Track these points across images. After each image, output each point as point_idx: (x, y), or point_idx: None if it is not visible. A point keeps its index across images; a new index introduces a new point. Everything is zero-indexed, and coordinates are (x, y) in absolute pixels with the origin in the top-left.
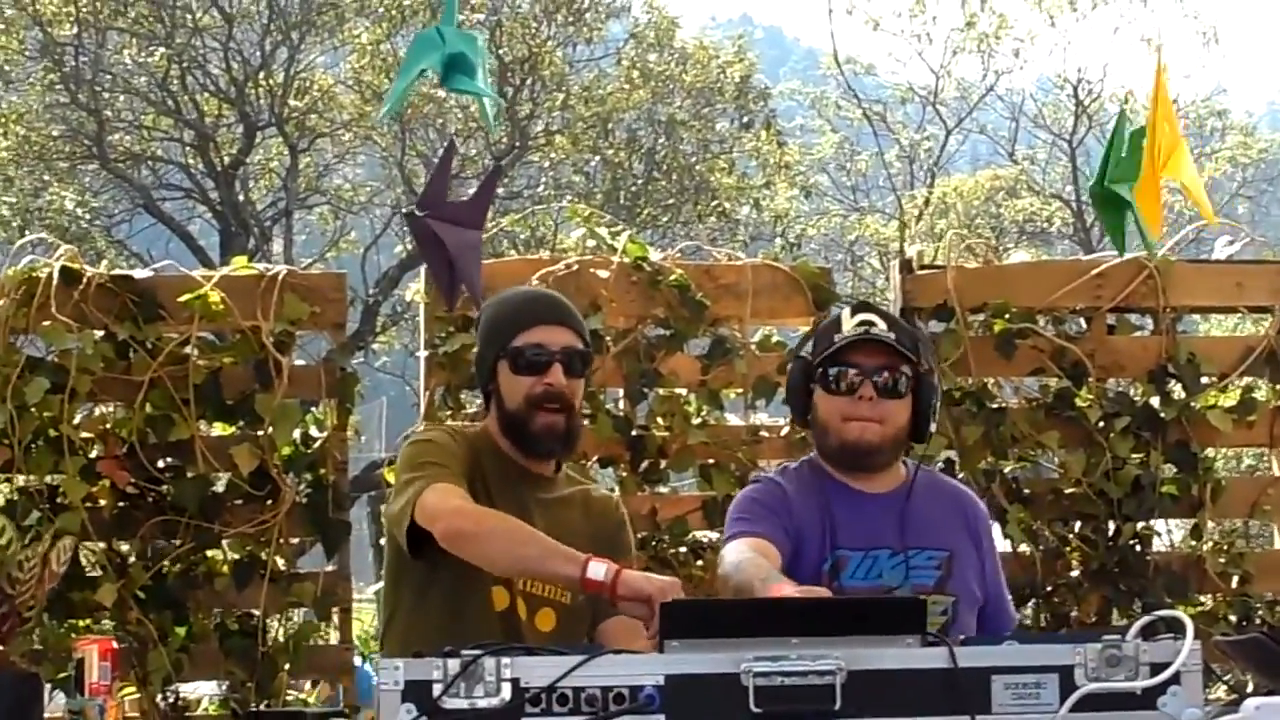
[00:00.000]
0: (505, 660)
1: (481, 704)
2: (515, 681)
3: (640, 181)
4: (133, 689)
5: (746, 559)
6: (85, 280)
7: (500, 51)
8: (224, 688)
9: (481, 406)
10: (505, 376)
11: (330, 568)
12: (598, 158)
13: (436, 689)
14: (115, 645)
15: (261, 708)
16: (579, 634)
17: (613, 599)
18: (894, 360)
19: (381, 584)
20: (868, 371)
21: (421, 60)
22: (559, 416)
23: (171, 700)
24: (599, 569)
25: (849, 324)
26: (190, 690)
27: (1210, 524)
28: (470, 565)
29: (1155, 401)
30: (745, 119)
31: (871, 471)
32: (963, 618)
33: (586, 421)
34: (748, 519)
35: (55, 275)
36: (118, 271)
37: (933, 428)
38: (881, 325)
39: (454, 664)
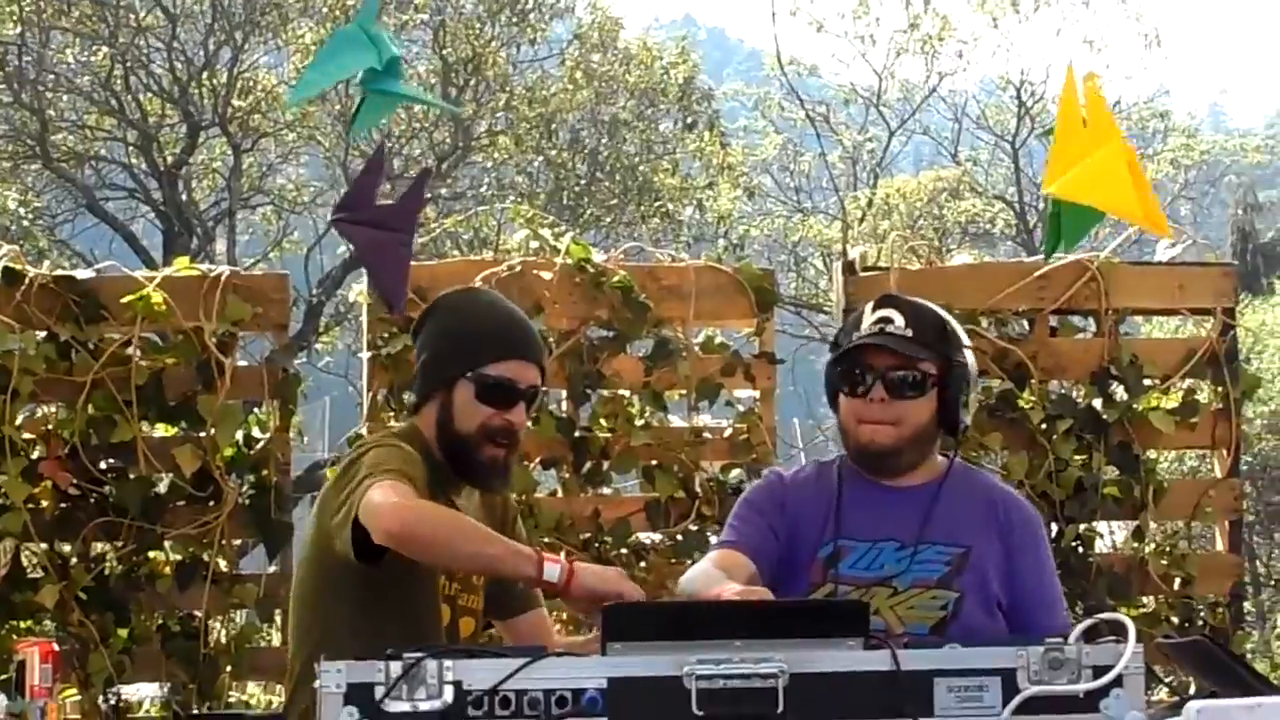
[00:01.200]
0: (447, 663)
1: (424, 706)
2: (458, 684)
3: (584, 182)
4: (74, 691)
5: (700, 571)
6: (27, 280)
7: (444, 52)
8: (166, 689)
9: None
10: (464, 399)
11: (272, 569)
12: (541, 158)
13: (379, 691)
14: (56, 647)
15: (203, 710)
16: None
17: (565, 598)
18: (908, 359)
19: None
20: (879, 372)
21: (350, 57)
22: (504, 451)
23: (113, 702)
24: (554, 570)
25: (867, 320)
26: (132, 692)
27: (1152, 526)
28: (420, 578)
29: (1098, 403)
30: (688, 120)
31: (893, 473)
32: (971, 615)
33: (529, 423)
34: (733, 525)
35: None
36: (60, 272)
37: (966, 418)
38: (899, 321)
39: (396, 666)
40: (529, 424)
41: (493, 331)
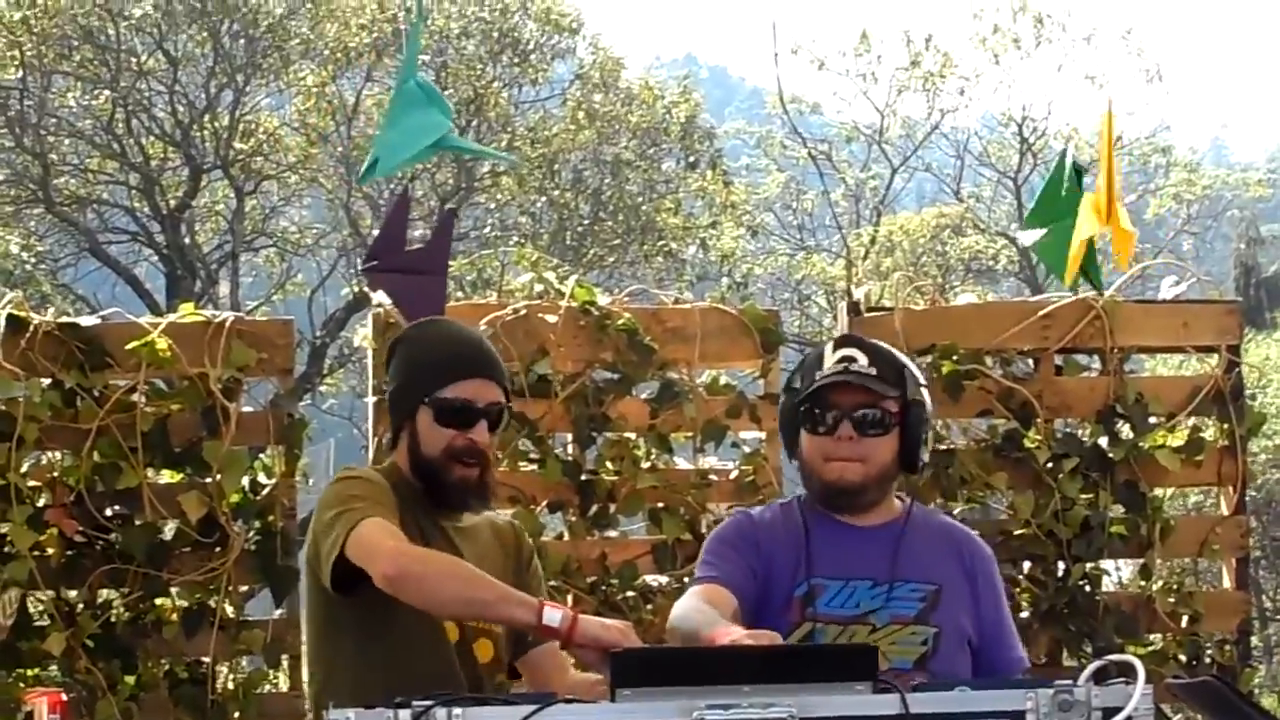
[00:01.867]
0: (457, 710)
1: None
2: None
3: (586, 222)
4: None
5: (691, 607)
6: (32, 328)
7: (446, 93)
8: None
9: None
10: (426, 424)
11: (279, 614)
12: (544, 198)
13: None
14: (64, 697)
15: None
16: (507, 659)
17: (568, 646)
18: (874, 397)
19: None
20: (847, 410)
21: (421, 118)
22: (475, 470)
23: None
24: (555, 615)
25: (830, 360)
26: None
27: (1159, 563)
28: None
29: (1103, 442)
30: (691, 159)
31: (857, 511)
32: (947, 651)
33: (535, 466)
34: (710, 562)
35: (1, 323)
36: (64, 319)
37: (925, 456)
38: (862, 360)
39: (405, 715)
40: (537, 466)
41: (446, 355)
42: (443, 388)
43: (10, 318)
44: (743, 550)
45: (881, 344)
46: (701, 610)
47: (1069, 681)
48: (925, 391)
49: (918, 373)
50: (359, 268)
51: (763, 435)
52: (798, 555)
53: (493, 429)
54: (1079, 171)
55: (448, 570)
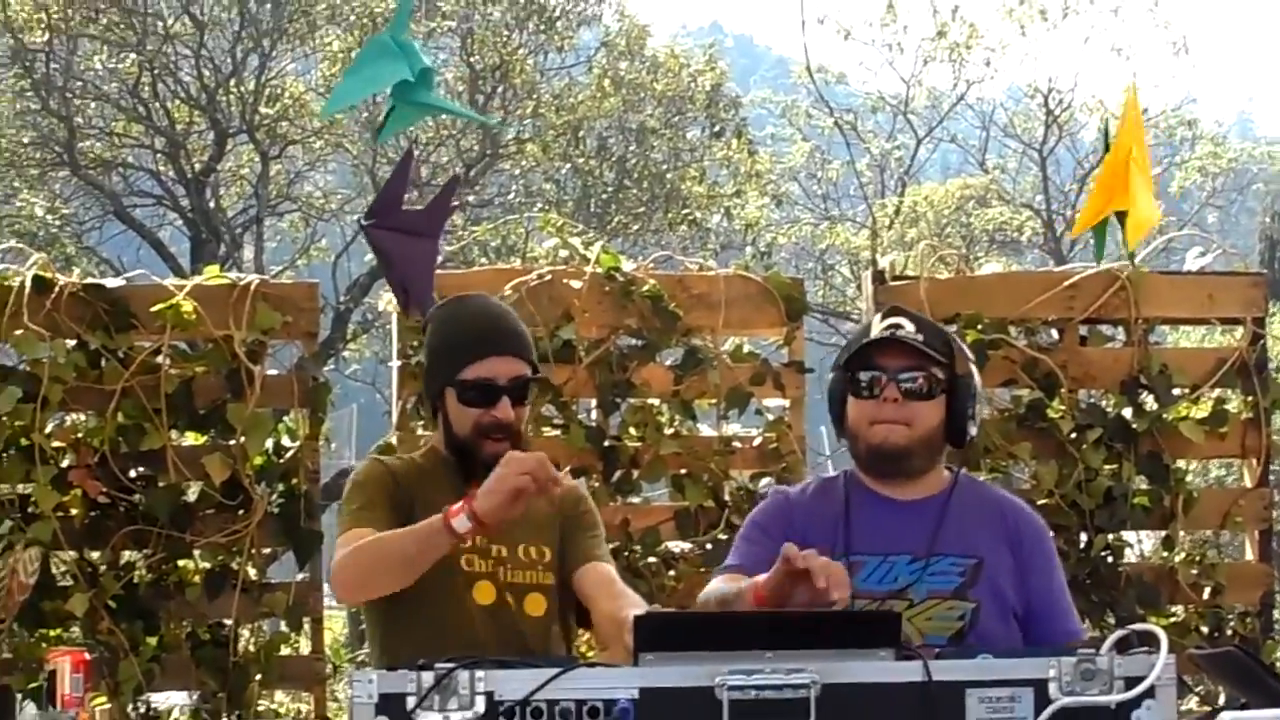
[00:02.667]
0: (479, 673)
1: (455, 717)
2: (489, 695)
3: (611, 189)
4: (104, 699)
5: (714, 589)
6: (57, 289)
7: (471, 60)
8: (195, 698)
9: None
10: (453, 405)
11: (302, 577)
12: (568, 165)
13: (410, 702)
14: (87, 657)
15: (233, 718)
16: (568, 611)
17: (486, 531)
18: (921, 361)
19: None
20: (892, 373)
21: (383, 68)
22: (505, 444)
23: (143, 710)
24: (463, 520)
25: (877, 327)
26: (161, 700)
27: (1182, 535)
28: (445, 570)
29: (1127, 413)
30: (716, 127)
31: (904, 477)
32: (988, 624)
33: (559, 432)
34: (740, 548)
35: (27, 284)
36: (90, 280)
37: (973, 431)
38: (909, 327)
39: (428, 677)
40: (561, 432)
41: (465, 336)
42: (463, 369)
43: (36, 279)
44: (773, 534)
45: (928, 317)
46: (727, 588)
47: (1092, 650)
48: (974, 368)
49: (966, 349)
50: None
51: (786, 403)
52: (836, 531)
53: (518, 403)
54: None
55: (373, 552)
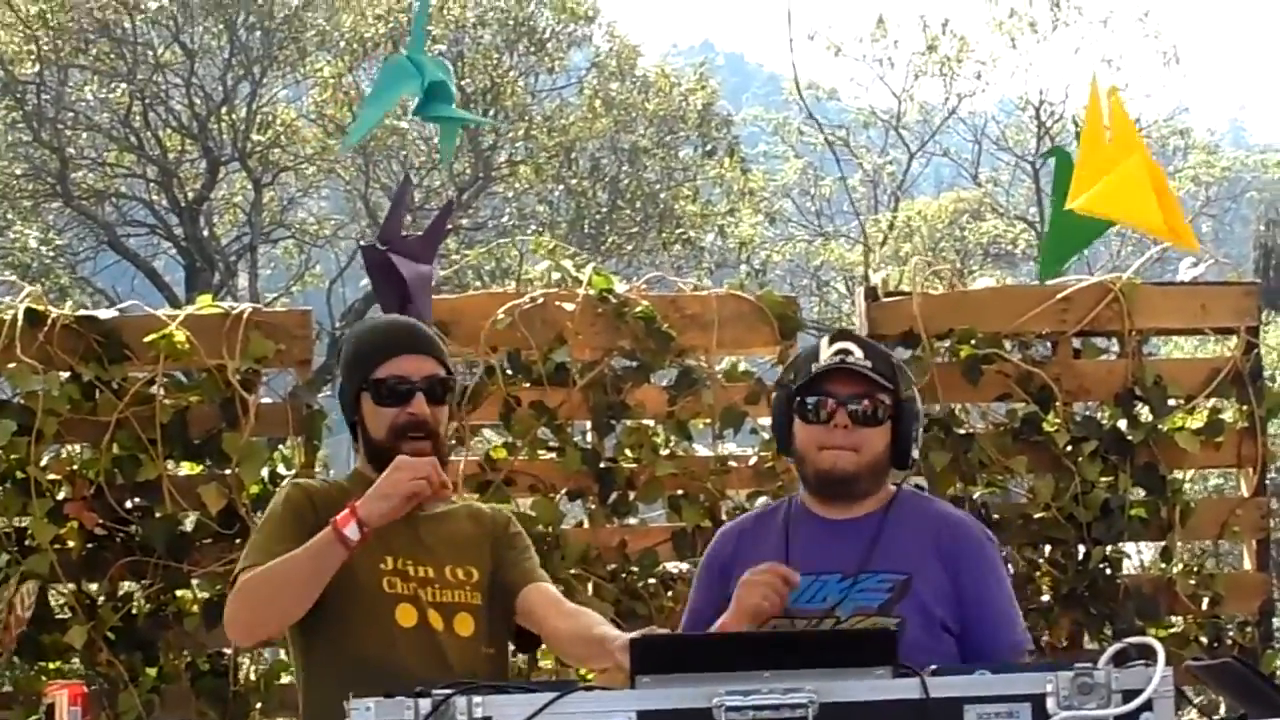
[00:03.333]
0: (477, 699)
1: None
2: None
3: (605, 210)
4: None
5: None
6: (50, 321)
7: (463, 83)
8: None
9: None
10: (369, 408)
11: None
12: (561, 187)
13: None
14: (86, 689)
15: None
16: (497, 632)
17: (367, 539)
18: (870, 388)
19: None
20: (843, 400)
21: (397, 88)
22: (425, 444)
23: None
24: (352, 528)
25: (825, 353)
26: None
27: (1180, 546)
28: (365, 595)
29: (1123, 425)
30: (708, 146)
31: (850, 500)
32: (912, 639)
33: (554, 455)
34: (695, 593)
35: (20, 317)
36: (83, 312)
37: (915, 453)
38: (858, 354)
39: (425, 704)
40: (556, 455)
41: (376, 339)
42: (375, 369)
43: (29, 311)
44: (715, 576)
45: (875, 343)
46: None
47: (1089, 664)
48: (915, 391)
49: (909, 373)
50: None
51: None
52: (778, 553)
53: (434, 402)
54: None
55: (246, 592)
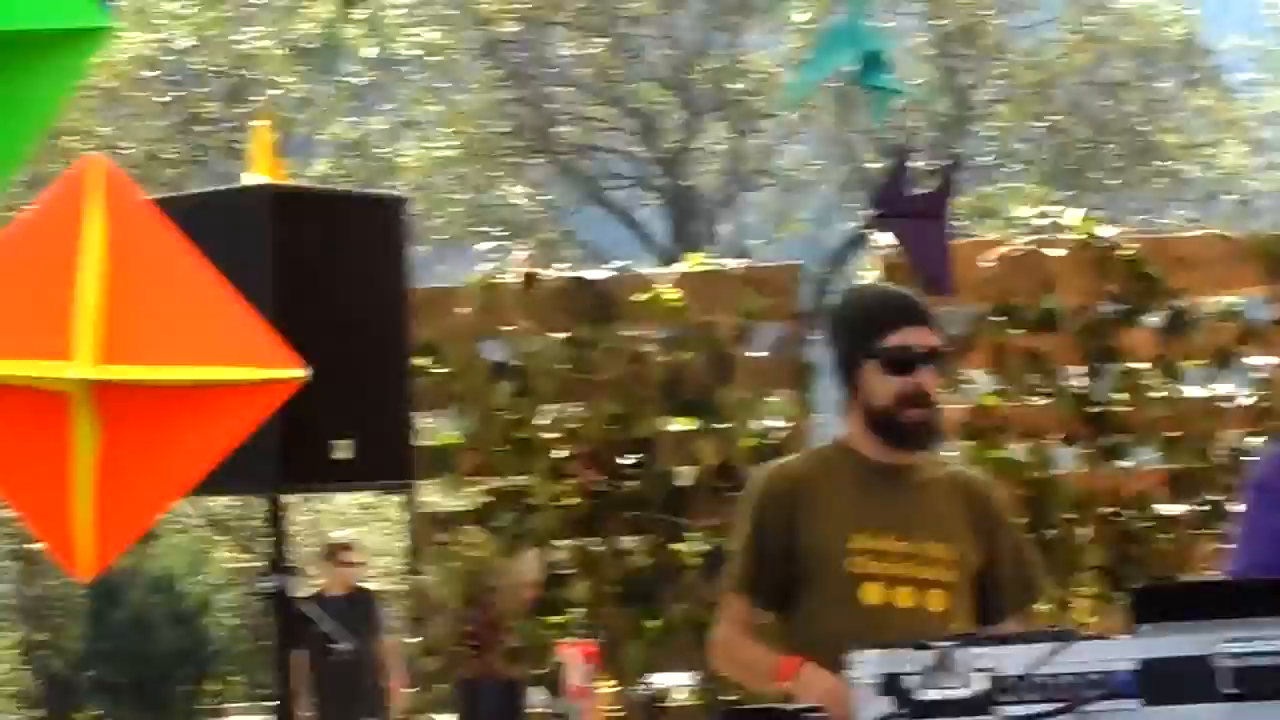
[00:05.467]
0: (976, 650)
1: (954, 694)
2: (989, 671)
3: (1086, 146)
4: (608, 682)
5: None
6: (544, 284)
7: (944, 22)
8: (698, 679)
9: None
10: (873, 375)
11: None
12: (1041, 124)
13: (910, 681)
14: (596, 648)
15: (734, 699)
16: (965, 610)
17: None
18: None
19: None
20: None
21: (834, 57)
22: (927, 411)
23: (647, 693)
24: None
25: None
26: (662, 681)
27: None
28: (831, 577)
29: None
30: (1190, 77)
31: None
32: None
33: (1045, 400)
34: (1249, 513)
35: (515, 281)
36: (575, 274)
37: None
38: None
39: (928, 656)
40: (1047, 400)
41: (880, 310)
42: (883, 339)
43: (523, 276)
44: (1273, 504)
45: None
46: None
47: None
48: None
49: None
50: (860, 205)
51: (1276, 361)
52: None
53: (935, 373)
54: None
55: (717, 660)
